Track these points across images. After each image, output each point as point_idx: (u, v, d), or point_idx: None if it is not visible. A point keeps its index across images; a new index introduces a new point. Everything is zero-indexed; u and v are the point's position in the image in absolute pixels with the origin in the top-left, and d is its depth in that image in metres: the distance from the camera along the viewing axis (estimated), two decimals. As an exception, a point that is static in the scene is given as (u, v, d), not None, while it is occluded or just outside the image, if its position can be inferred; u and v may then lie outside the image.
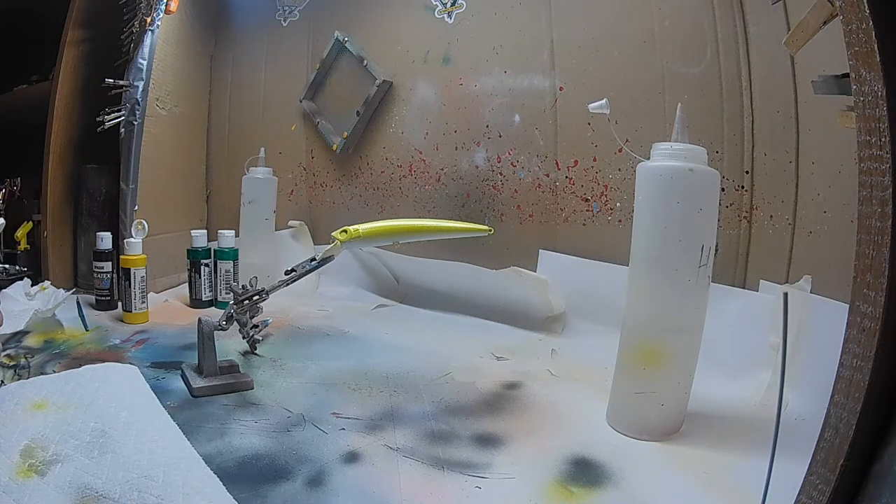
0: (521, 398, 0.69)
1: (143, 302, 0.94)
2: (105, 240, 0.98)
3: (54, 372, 0.68)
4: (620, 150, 0.87)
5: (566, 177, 0.96)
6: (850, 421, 0.31)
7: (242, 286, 0.80)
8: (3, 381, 0.65)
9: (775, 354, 0.70)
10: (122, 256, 0.94)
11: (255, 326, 0.80)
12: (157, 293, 1.10)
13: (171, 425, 0.55)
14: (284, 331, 0.92)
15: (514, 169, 1.01)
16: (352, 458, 0.53)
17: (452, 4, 1.06)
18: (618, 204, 0.91)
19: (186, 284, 1.06)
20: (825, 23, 0.45)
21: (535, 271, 0.96)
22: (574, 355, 0.83)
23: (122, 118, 1.01)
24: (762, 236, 0.79)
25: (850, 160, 0.57)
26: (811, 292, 0.68)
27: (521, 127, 1.00)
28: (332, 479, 0.49)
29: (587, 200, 0.94)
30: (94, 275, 0.99)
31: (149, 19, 1.02)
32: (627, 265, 0.60)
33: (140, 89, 1.02)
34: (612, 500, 0.48)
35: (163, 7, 1.04)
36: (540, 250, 0.98)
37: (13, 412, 0.53)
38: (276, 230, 1.15)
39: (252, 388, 0.68)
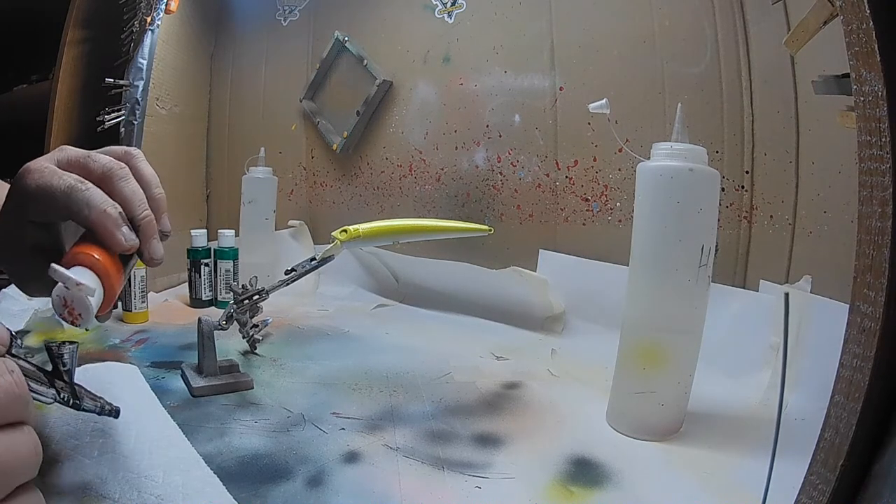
0: (521, 398, 0.69)
1: (143, 301, 0.94)
2: (105, 239, 0.98)
3: (54, 372, 0.67)
4: (620, 150, 0.87)
5: (566, 177, 0.96)
6: (850, 421, 0.31)
7: (242, 286, 0.80)
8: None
9: (775, 354, 0.70)
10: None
11: (255, 326, 0.80)
12: (157, 293, 1.10)
13: (171, 425, 0.55)
14: (284, 331, 0.92)
15: (514, 169, 1.01)
16: (352, 457, 0.53)
17: (452, 4, 1.06)
18: (618, 204, 0.91)
19: (186, 284, 1.06)
20: (825, 23, 0.45)
21: (535, 271, 0.96)
22: (574, 355, 0.83)
23: (122, 118, 1.01)
24: (762, 236, 0.79)
25: (850, 160, 0.57)
26: (811, 292, 0.68)
27: (521, 127, 1.00)
28: (332, 479, 0.49)
29: (587, 200, 0.94)
30: (94, 274, 0.99)
31: (149, 19, 1.02)
32: (627, 265, 0.60)
33: (140, 89, 1.02)
34: (612, 500, 0.48)
35: (163, 7, 1.04)
36: (540, 250, 0.98)
37: (13, 412, 0.53)
38: (276, 230, 1.15)
39: (252, 388, 0.68)
